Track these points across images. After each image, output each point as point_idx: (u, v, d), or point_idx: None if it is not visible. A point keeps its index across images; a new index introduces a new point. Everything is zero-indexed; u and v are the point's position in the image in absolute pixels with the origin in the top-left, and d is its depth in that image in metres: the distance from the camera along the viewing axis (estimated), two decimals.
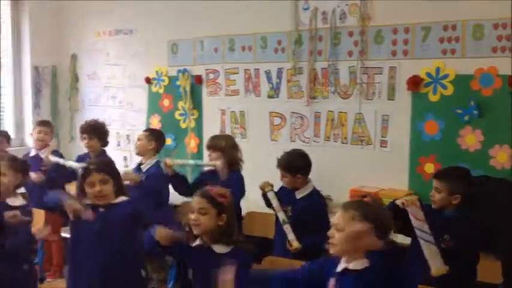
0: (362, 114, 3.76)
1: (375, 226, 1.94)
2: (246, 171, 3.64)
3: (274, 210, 3.18)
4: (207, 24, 4.52)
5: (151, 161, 3.81)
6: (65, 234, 4.20)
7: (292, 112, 4.09)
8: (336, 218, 1.99)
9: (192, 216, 2.29)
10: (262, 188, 3.22)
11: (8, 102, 5.48)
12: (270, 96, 4.21)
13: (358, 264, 1.95)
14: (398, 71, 3.61)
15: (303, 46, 3.99)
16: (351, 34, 3.79)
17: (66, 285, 2.73)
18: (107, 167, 2.66)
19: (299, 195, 3.20)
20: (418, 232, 2.49)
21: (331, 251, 2.00)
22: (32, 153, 4.38)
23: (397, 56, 3.61)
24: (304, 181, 3.21)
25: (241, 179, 3.50)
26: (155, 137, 3.92)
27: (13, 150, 4.37)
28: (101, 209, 2.57)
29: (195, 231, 2.30)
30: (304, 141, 4.02)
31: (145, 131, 4.09)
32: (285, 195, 3.22)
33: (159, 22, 4.84)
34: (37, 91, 5.50)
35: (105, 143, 4.19)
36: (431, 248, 2.48)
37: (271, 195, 3.17)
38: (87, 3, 5.34)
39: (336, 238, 1.97)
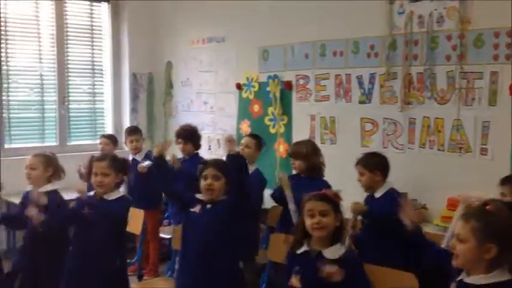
0: (460, 121, 3.62)
1: (499, 241, 1.81)
2: (335, 177, 3.60)
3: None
4: (297, 30, 4.55)
5: (252, 168, 3.75)
6: (163, 234, 4.38)
7: (385, 118, 4.01)
8: (458, 228, 1.90)
9: (314, 220, 2.33)
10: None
11: (108, 107, 5.82)
12: (361, 102, 4.17)
13: (482, 278, 1.83)
14: (500, 75, 3.44)
15: (397, 51, 3.91)
16: (449, 38, 3.66)
17: (176, 274, 2.94)
18: (224, 165, 2.79)
19: (378, 194, 3.19)
20: None
21: (454, 263, 1.91)
22: (130, 157, 4.62)
23: (499, 60, 3.44)
24: (382, 181, 3.20)
25: (325, 184, 3.42)
26: (261, 145, 3.91)
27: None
28: (208, 206, 2.73)
29: (319, 234, 2.34)
30: (397, 148, 3.94)
31: (252, 137, 4.00)
32: (367, 202, 3.20)
33: (250, 29, 4.94)
34: (135, 97, 5.81)
35: (198, 146, 4.34)
36: None
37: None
38: (182, 13, 5.57)
39: (458, 250, 1.88)
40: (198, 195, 2.79)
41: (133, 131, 4.76)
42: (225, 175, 2.73)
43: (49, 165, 3.27)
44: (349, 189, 3.31)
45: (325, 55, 4.38)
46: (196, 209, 2.74)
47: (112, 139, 4.83)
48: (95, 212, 2.90)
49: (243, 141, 4.00)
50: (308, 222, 2.35)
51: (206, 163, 2.81)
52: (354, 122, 4.21)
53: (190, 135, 4.27)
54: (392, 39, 3.92)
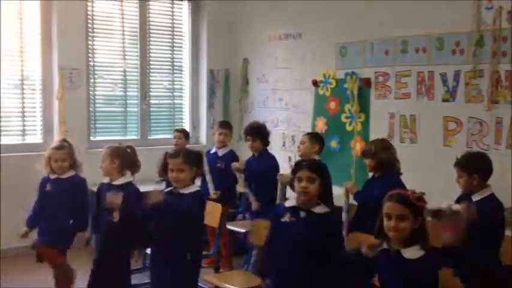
0: None
1: None
2: (414, 177, 3.49)
3: None
4: (377, 26, 4.47)
5: None
6: (231, 227, 4.41)
7: (470, 117, 3.87)
8: None
9: (391, 223, 2.28)
10: None
11: (186, 103, 5.97)
12: (444, 100, 4.03)
13: None
14: None
15: (484, 47, 3.75)
16: None
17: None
18: (318, 167, 2.70)
19: (475, 198, 2.98)
20: None
21: None
22: (212, 150, 4.74)
23: None
24: (481, 184, 2.98)
25: (399, 183, 3.28)
26: (318, 140, 4.06)
27: (189, 147, 4.73)
28: (302, 214, 2.62)
29: (394, 236, 2.29)
30: (482, 148, 3.78)
31: (308, 134, 4.22)
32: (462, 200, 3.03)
33: (328, 25, 4.91)
34: (212, 93, 5.92)
35: (266, 143, 4.38)
36: None
37: None
38: (259, 9, 5.61)
39: None
40: (287, 204, 2.72)
41: (225, 124, 4.87)
42: (320, 177, 2.63)
43: (115, 157, 3.29)
44: (430, 190, 3.21)
45: (406, 51, 4.27)
46: (286, 217, 2.63)
47: (184, 133, 4.97)
48: (170, 206, 2.97)
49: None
50: (385, 223, 2.30)
51: (300, 164, 2.70)
52: (436, 120, 4.08)
53: (258, 132, 4.33)
54: (479, 35, 3.77)
